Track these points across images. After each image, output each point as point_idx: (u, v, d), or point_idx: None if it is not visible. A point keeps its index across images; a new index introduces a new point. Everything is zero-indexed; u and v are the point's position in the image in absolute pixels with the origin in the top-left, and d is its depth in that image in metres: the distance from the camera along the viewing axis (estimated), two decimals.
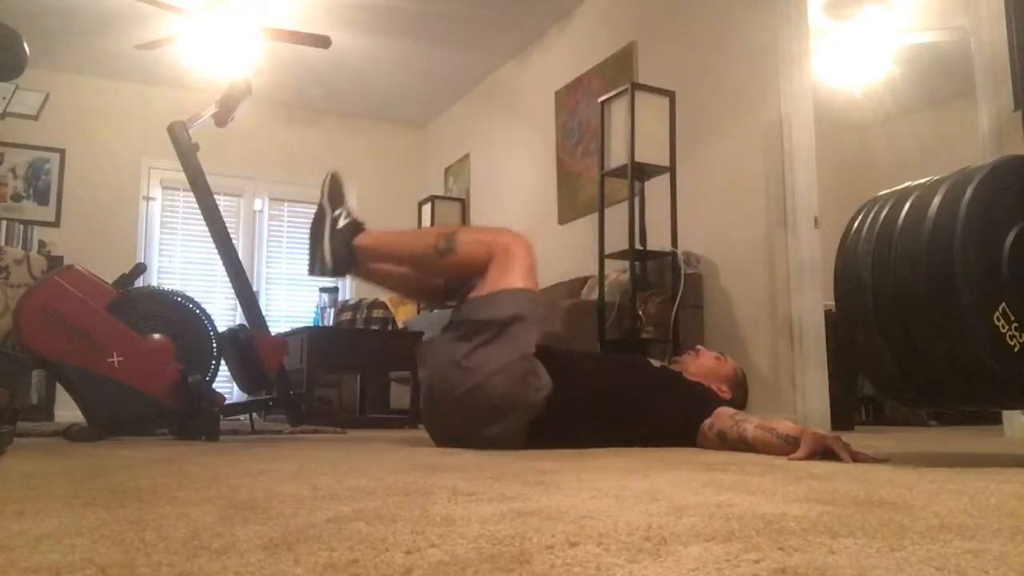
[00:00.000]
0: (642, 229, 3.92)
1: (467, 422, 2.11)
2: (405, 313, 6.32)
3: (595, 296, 4.08)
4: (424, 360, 2.24)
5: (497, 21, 5.79)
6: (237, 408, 3.24)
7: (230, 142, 5.74)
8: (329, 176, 2.45)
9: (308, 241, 2.37)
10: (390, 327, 6.18)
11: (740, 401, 2.37)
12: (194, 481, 1.24)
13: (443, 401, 2.15)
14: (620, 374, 2.26)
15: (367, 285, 7.66)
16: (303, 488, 1.12)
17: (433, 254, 2.21)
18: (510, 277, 2.14)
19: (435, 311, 5.76)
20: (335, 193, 2.39)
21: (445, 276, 2.34)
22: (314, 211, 2.40)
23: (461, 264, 2.22)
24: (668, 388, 2.19)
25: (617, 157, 3.94)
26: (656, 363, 2.35)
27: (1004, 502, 0.96)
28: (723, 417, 1.99)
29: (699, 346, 2.55)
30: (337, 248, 2.29)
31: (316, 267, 2.32)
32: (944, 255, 1.41)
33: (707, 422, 2.01)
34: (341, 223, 2.32)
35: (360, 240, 2.32)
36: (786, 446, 1.73)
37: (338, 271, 2.32)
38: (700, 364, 2.35)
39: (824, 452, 1.64)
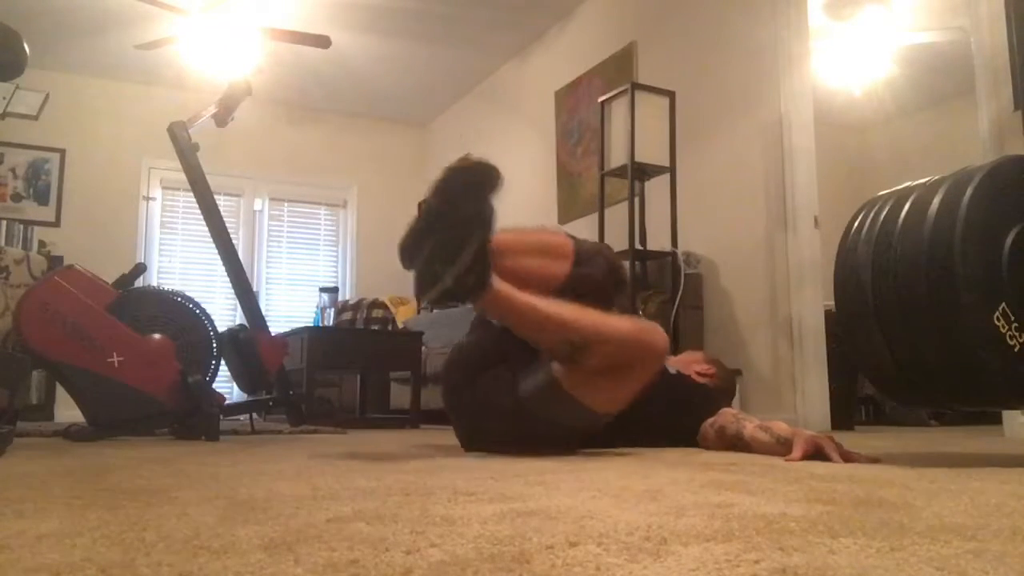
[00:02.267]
0: (642, 229, 3.92)
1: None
2: (405, 313, 6.32)
3: None
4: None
5: (497, 21, 5.79)
6: (237, 408, 3.24)
7: (230, 142, 5.73)
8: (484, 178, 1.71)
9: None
10: (390, 327, 6.19)
11: (727, 378, 2.42)
12: (194, 481, 1.24)
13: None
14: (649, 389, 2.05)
15: (368, 283, 7.59)
16: (303, 488, 1.12)
17: (560, 342, 1.77)
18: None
19: (435, 311, 5.77)
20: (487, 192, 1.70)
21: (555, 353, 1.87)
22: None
23: (584, 370, 1.79)
24: (688, 398, 2.20)
25: (617, 157, 3.94)
26: (672, 369, 2.32)
27: (1004, 502, 0.96)
28: (726, 415, 2.03)
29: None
30: (468, 266, 1.65)
31: (435, 294, 1.65)
32: (944, 255, 1.41)
33: (709, 420, 2.04)
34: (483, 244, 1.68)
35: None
36: (778, 446, 1.76)
37: (461, 297, 1.72)
38: (676, 360, 2.38)
39: (817, 453, 1.65)
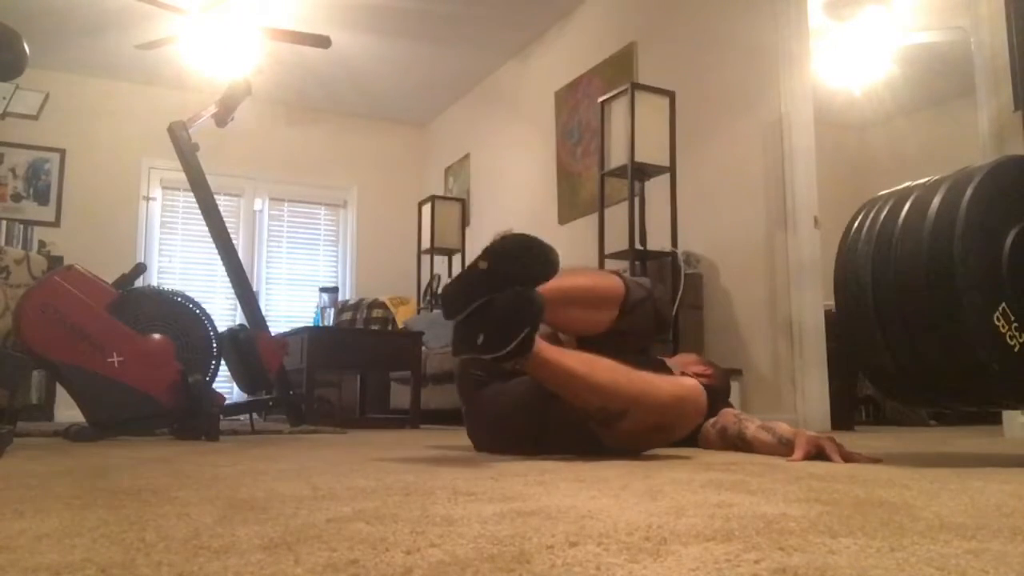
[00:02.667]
0: (642, 229, 3.92)
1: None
2: (405, 313, 6.32)
3: None
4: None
5: (497, 21, 5.79)
6: (237, 408, 3.24)
7: (230, 142, 5.74)
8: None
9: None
10: (390, 327, 6.19)
11: (722, 379, 2.41)
12: (194, 481, 1.24)
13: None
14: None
15: (368, 283, 7.61)
16: (303, 488, 1.12)
17: (594, 412, 1.72)
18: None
19: (435, 311, 5.78)
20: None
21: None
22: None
23: (616, 433, 1.74)
24: None
25: (617, 157, 3.94)
26: (676, 369, 2.32)
27: (1004, 502, 0.96)
28: (727, 415, 2.04)
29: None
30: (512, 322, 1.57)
31: (481, 346, 1.58)
32: (944, 255, 1.41)
33: (710, 420, 2.04)
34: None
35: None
36: (780, 447, 1.77)
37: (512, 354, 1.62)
38: (670, 361, 2.38)
39: (819, 454, 1.66)
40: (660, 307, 2.09)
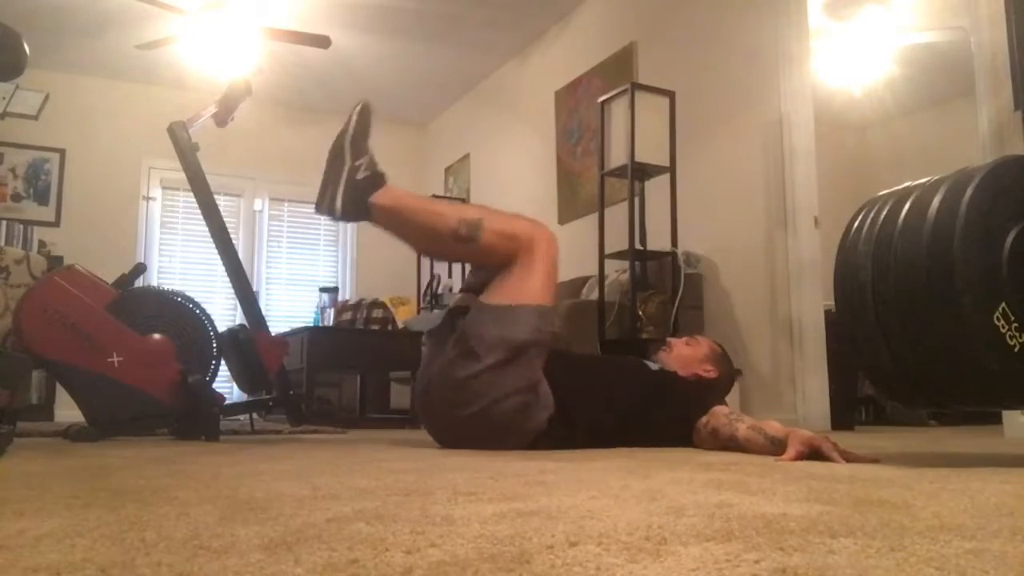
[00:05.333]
0: (642, 229, 3.92)
1: (467, 437, 2.10)
2: (405, 313, 6.32)
3: (595, 296, 4.08)
4: (427, 363, 2.19)
5: (497, 21, 5.79)
6: (237, 408, 3.24)
7: (230, 142, 5.73)
8: (359, 108, 2.22)
9: (323, 171, 2.19)
10: (390, 327, 6.18)
11: (727, 376, 2.38)
12: (194, 481, 1.24)
13: (442, 415, 2.15)
14: (620, 385, 2.22)
15: (368, 283, 7.60)
16: (303, 488, 1.12)
17: (450, 238, 2.07)
18: (530, 285, 2.06)
19: (435, 310, 5.77)
20: (361, 134, 2.18)
21: (458, 260, 2.39)
22: (333, 140, 2.21)
23: (479, 255, 2.14)
24: (666, 394, 2.18)
25: (617, 157, 3.94)
26: (654, 366, 2.34)
27: (1004, 502, 0.96)
28: (718, 415, 1.99)
29: (669, 339, 2.52)
30: (348, 200, 2.11)
31: (324, 207, 2.15)
32: (944, 255, 1.41)
33: (703, 419, 2.01)
34: (360, 175, 2.13)
35: (377, 198, 2.14)
36: (772, 447, 1.74)
37: (347, 220, 2.18)
38: (676, 356, 2.35)
39: (813, 454, 1.64)
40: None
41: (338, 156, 2.17)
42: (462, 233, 2.04)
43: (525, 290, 2.05)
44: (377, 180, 2.16)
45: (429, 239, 2.20)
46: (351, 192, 2.10)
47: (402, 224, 2.19)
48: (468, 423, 2.05)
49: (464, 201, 6.34)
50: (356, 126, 2.19)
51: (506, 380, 2.01)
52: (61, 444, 2.35)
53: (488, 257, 2.12)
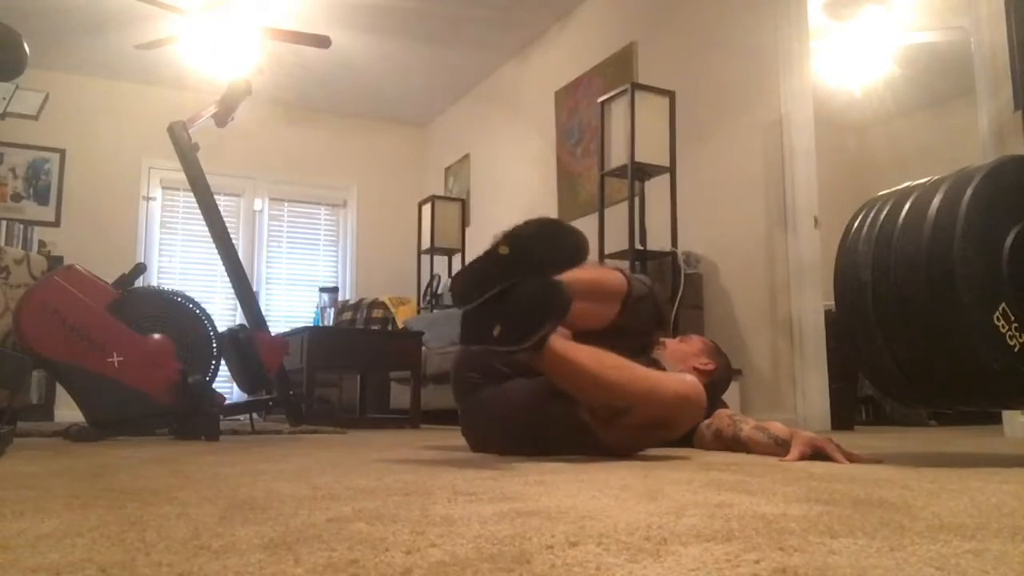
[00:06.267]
0: (642, 229, 3.92)
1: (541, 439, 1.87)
2: (405, 313, 6.32)
3: None
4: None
5: (497, 21, 5.79)
6: (237, 408, 3.24)
7: (230, 142, 5.74)
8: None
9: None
10: (390, 327, 6.19)
11: (724, 369, 2.38)
12: (194, 481, 1.24)
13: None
14: None
15: (368, 283, 7.59)
16: (303, 488, 1.12)
17: (602, 407, 1.70)
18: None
19: (435, 311, 5.77)
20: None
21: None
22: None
23: (623, 430, 1.72)
24: None
25: (617, 157, 3.94)
26: (675, 364, 2.32)
27: (1004, 502, 0.96)
28: (721, 417, 2.01)
29: (662, 339, 2.51)
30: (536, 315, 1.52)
31: (495, 338, 1.51)
32: (944, 255, 1.41)
33: (705, 422, 2.02)
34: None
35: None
36: (776, 447, 1.75)
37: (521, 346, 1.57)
38: (671, 353, 2.34)
39: (815, 454, 1.65)
40: (660, 305, 2.10)
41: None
42: (620, 406, 1.68)
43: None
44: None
45: (584, 396, 1.73)
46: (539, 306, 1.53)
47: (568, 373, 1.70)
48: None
49: (463, 202, 6.34)
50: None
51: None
52: (61, 444, 2.35)
53: (630, 432, 1.75)
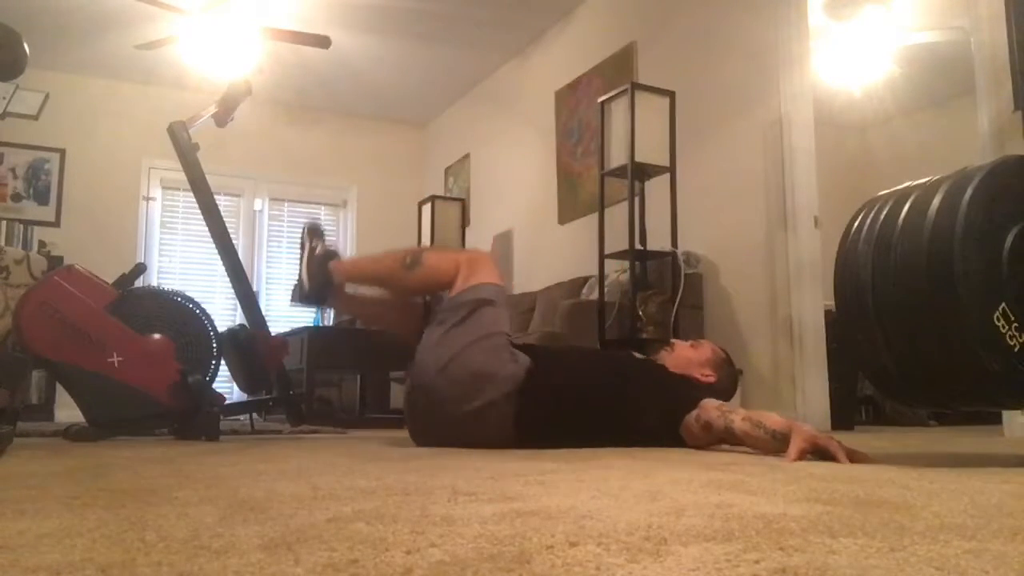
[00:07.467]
0: (642, 229, 3.92)
1: (451, 400, 2.17)
2: None
3: (595, 296, 4.08)
4: (411, 363, 2.36)
5: (497, 21, 5.79)
6: (237, 408, 3.24)
7: (230, 142, 5.73)
8: (307, 227, 2.59)
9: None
10: None
11: (727, 381, 2.36)
12: (194, 481, 1.24)
13: (425, 384, 2.23)
14: (599, 362, 2.40)
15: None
16: (303, 488, 1.12)
17: (400, 268, 2.38)
18: (478, 277, 2.32)
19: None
20: (315, 231, 2.56)
21: (415, 291, 2.51)
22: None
23: (428, 276, 2.39)
24: (648, 377, 2.21)
25: (617, 157, 3.94)
26: (640, 356, 2.39)
27: (1004, 502, 0.96)
28: (709, 408, 1.93)
29: (673, 340, 2.61)
30: (313, 271, 2.44)
31: (296, 293, 2.53)
32: (944, 255, 1.41)
33: (693, 413, 1.96)
34: (318, 251, 2.48)
35: (334, 263, 2.48)
36: (774, 443, 1.71)
37: (315, 294, 2.46)
38: (676, 357, 2.35)
39: (816, 451, 1.63)
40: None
41: (301, 250, 2.55)
42: (408, 261, 2.38)
43: (474, 279, 2.32)
44: (333, 253, 2.51)
45: (385, 279, 2.52)
46: (313, 265, 2.45)
47: (364, 273, 2.59)
48: (447, 373, 2.17)
49: (463, 202, 6.35)
50: (310, 231, 2.55)
51: (468, 331, 2.21)
52: (61, 444, 2.35)
53: (437, 278, 2.38)
